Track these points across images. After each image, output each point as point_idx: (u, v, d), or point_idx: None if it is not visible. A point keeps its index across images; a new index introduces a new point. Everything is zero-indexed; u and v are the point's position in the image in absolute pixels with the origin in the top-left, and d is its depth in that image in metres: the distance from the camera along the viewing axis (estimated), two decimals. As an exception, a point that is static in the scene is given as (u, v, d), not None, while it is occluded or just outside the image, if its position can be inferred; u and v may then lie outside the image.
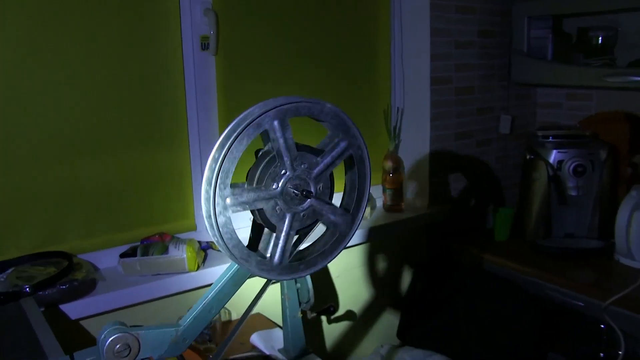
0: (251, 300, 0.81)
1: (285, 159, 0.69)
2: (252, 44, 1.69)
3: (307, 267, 0.73)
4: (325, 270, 1.82)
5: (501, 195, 2.35)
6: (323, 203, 0.74)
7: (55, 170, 1.40)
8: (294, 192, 0.70)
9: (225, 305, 1.55)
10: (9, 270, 1.34)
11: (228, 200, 0.65)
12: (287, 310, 1.40)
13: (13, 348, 0.87)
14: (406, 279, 2.07)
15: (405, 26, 2.03)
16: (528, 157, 2.02)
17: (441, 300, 1.92)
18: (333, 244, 0.77)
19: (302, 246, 0.82)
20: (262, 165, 0.72)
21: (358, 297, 1.94)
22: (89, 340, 1.35)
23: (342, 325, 1.92)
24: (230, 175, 0.66)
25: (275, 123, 0.67)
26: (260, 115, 0.66)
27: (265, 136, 0.70)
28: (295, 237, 0.73)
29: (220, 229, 0.64)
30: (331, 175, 0.77)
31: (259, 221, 0.71)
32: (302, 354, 1.40)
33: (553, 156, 1.93)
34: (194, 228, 1.64)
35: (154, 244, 1.46)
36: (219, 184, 0.64)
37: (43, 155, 1.38)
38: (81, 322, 1.33)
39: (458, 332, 1.82)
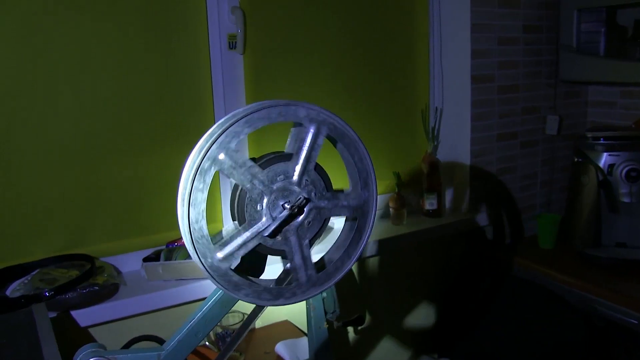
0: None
1: (259, 186, 0.62)
2: (281, 43, 1.64)
3: (334, 272, 0.67)
4: (354, 278, 1.75)
5: (547, 200, 2.22)
6: (324, 199, 0.66)
7: (82, 173, 1.39)
8: (284, 207, 0.63)
9: (248, 312, 1.52)
10: (34, 272, 1.34)
11: (219, 255, 0.60)
12: (312, 320, 1.34)
13: (14, 357, 0.84)
14: (444, 287, 1.98)
15: (445, 22, 1.94)
16: (576, 160, 1.89)
17: (481, 310, 1.82)
18: (354, 237, 0.70)
19: (318, 253, 0.76)
20: (236, 197, 0.65)
21: (390, 306, 1.87)
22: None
23: (372, 336, 1.84)
24: (204, 228, 0.60)
25: (223, 157, 0.60)
26: (202, 160, 0.59)
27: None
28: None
29: (228, 288, 0.59)
30: (317, 166, 0.68)
31: (265, 253, 0.64)
32: (327, 366, 1.34)
33: (604, 159, 1.79)
34: (219, 230, 1.61)
35: (178, 249, 1.43)
36: (196, 243, 0.58)
37: (70, 158, 1.37)
38: (102, 326, 1.31)
39: (498, 345, 1.72)
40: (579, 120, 2.25)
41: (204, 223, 0.60)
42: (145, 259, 1.41)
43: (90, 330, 1.32)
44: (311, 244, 0.68)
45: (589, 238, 1.86)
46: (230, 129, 0.60)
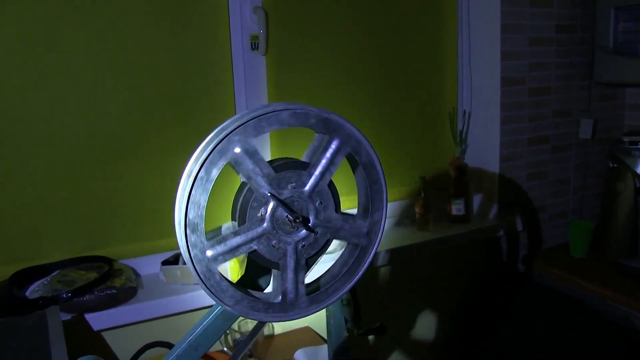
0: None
1: (263, 188, 0.58)
2: (304, 43, 1.61)
3: (326, 296, 0.62)
4: (377, 285, 1.71)
5: (579, 207, 2.13)
6: (327, 220, 0.61)
7: (103, 176, 1.39)
8: (287, 218, 0.59)
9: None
10: (54, 273, 1.33)
11: (209, 253, 0.55)
12: (332, 328, 1.30)
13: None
14: (470, 295, 1.92)
15: (474, 22, 1.88)
16: (612, 165, 1.81)
17: (508, 319, 1.75)
18: (356, 259, 0.64)
19: (316, 272, 0.71)
20: (241, 197, 0.61)
21: (414, 315, 1.82)
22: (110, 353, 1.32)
23: (394, 345, 1.79)
24: (202, 223, 0.55)
25: (238, 150, 0.56)
26: (211, 151, 0.55)
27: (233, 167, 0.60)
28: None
29: (211, 288, 0.55)
30: (331, 184, 0.64)
31: (259, 262, 0.60)
32: (347, 376, 1.30)
33: (641, 165, 1.71)
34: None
35: (197, 252, 1.41)
36: (190, 237, 0.54)
37: (91, 161, 1.37)
38: (118, 330, 1.30)
39: (526, 357, 1.65)
40: (614, 124, 2.16)
41: (200, 220, 0.55)
42: (164, 262, 1.39)
43: (105, 334, 1.31)
44: (308, 264, 0.64)
45: (624, 248, 1.78)
46: (252, 122, 0.56)
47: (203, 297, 1.35)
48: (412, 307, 1.81)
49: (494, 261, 1.96)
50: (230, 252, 0.56)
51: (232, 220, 0.61)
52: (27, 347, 0.90)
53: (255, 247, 0.57)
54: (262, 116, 0.57)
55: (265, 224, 0.57)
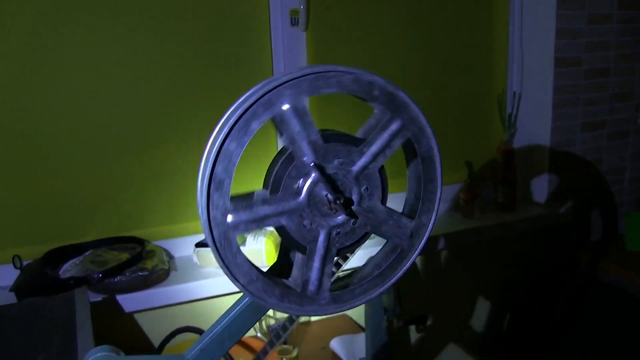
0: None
1: (307, 156, 0.50)
2: (345, 20, 1.53)
3: (351, 297, 0.54)
4: (418, 274, 1.64)
5: (637, 198, 2.00)
6: (370, 210, 0.53)
7: (138, 157, 1.36)
8: (327, 197, 0.50)
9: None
10: (87, 253, 1.32)
11: (230, 219, 0.47)
12: (370, 317, 1.24)
13: (48, 341, 0.80)
14: (517, 289, 1.83)
15: (527, -2, 1.77)
16: (675, 153, 1.68)
17: (557, 316, 1.66)
18: (393, 262, 0.56)
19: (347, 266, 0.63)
20: (278, 164, 0.52)
21: (456, 306, 1.74)
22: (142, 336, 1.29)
23: (435, 337, 1.72)
24: (229, 183, 0.47)
25: (286, 107, 0.47)
26: (256, 101, 0.46)
27: (277, 127, 0.50)
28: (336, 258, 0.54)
29: (225, 259, 0.47)
30: (382, 169, 0.54)
31: (284, 241, 0.51)
32: (385, 367, 1.24)
33: None
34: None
35: (231, 235, 1.37)
36: (212, 195, 0.46)
37: (127, 143, 1.35)
38: (148, 312, 1.27)
39: (576, 356, 1.56)
40: (678, 110, 2.01)
41: (228, 178, 0.47)
42: (198, 245, 1.35)
43: (137, 315, 1.28)
44: (341, 255, 0.56)
45: (686, 241, 1.66)
46: (309, 77, 0.48)
47: (237, 281, 1.31)
48: (456, 300, 1.73)
49: (543, 253, 1.86)
50: (255, 222, 0.48)
51: (263, 187, 0.54)
52: (52, 330, 0.87)
53: (284, 223, 0.50)
54: (322, 74, 0.48)
55: (300, 198, 0.49)
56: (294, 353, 1.32)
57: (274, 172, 0.51)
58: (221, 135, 0.46)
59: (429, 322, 1.51)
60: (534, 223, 1.75)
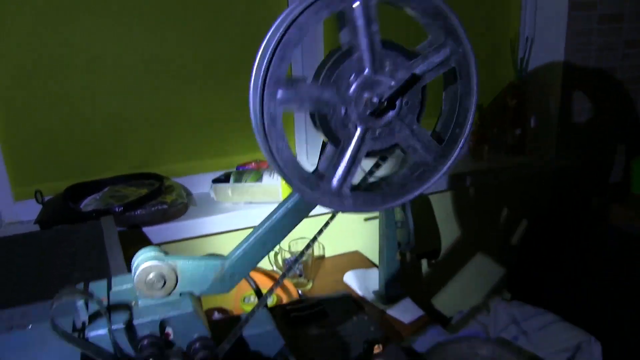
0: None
1: (365, 53, 0.51)
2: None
3: (375, 202, 0.56)
4: (430, 210, 1.67)
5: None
6: (406, 123, 0.55)
7: (157, 94, 1.37)
8: (371, 99, 0.52)
9: (319, 240, 1.48)
10: (105, 189, 1.34)
11: (280, 93, 0.49)
12: (384, 250, 1.28)
13: (80, 261, 0.83)
14: (523, 229, 1.86)
15: (543, -62, 1.74)
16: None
17: (562, 257, 1.70)
18: (414, 181, 0.58)
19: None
20: (332, 59, 0.52)
21: (465, 244, 1.77)
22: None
23: (445, 272, 1.77)
24: (287, 63, 0.49)
25: (356, 5, 0.48)
26: None
27: (341, 21, 0.52)
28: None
29: (268, 133, 0.49)
30: (424, 89, 0.55)
31: (319, 131, 0.53)
32: (397, 297, 1.29)
33: None
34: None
35: (248, 171, 1.39)
36: (272, 69, 0.48)
37: (147, 80, 1.36)
38: (168, 245, 1.30)
39: (577, 294, 1.60)
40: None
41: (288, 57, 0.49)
42: (215, 180, 1.38)
43: (158, 246, 1.31)
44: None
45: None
46: None
47: (254, 216, 1.34)
48: (466, 237, 1.77)
49: (550, 197, 1.88)
50: (299, 101, 0.49)
51: (314, 77, 0.55)
52: (84, 252, 0.90)
53: (326, 110, 0.51)
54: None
55: (350, 92, 0.51)
56: (309, 286, 1.37)
57: (330, 63, 0.53)
58: (296, 11, 0.47)
59: (437, 256, 1.56)
60: (543, 166, 1.77)
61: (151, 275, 0.53)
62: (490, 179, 1.69)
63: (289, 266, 1.32)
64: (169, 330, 0.53)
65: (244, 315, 0.59)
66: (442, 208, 1.69)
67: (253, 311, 0.56)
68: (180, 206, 1.29)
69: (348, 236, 1.54)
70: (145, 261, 0.53)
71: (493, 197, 1.78)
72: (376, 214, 1.25)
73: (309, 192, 0.52)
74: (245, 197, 1.35)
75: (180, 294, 0.55)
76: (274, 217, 0.57)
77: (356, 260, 1.50)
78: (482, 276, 1.84)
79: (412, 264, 1.67)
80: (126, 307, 0.54)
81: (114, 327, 0.51)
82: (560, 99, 1.78)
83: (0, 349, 0.50)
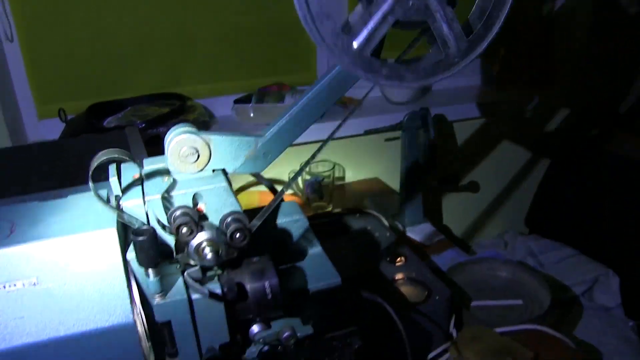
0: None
1: None
2: None
3: (389, 74, 0.54)
4: (453, 138, 1.65)
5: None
6: (440, 2, 0.52)
7: (179, 15, 1.35)
8: None
9: (339, 163, 1.48)
10: (127, 109, 1.34)
11: (355, 45, 0.48)
12: (404, 174, 1.28)
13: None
14: (544, 163, 1.84)
15: None
16: None
17: (581, 191, 1.68)
18: (433, 66, 0.56)
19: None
20: None
21: (485, 174, 1.76)
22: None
23: (465, 202, 1.76)
24: None
25: None
26: None
27: None
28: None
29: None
30: None
31: (402, 28, 0.52)
32: (417, 222, 1.29)
33: None
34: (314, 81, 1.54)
35: (270, 92, 1.38)
36: None
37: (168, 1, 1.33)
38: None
39: (595, 228, 1.59)
40: None
41: None
42: (237, 101, 1.37)
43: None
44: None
45: None
46: None
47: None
48: (486, 168, 1.76)
49: (570, 130, 1.85)
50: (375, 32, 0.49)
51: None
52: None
53: (396, 18, 0.50)
54: None
55: None
56: (329, 209, 1.37)
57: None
58: None
59: (457, 182, 1.55)
60: (568, 98, 1.73)
61: (185, 148, 0.53)
62: (513, 110, 1.66)
63: (310, 188, 1.33)
64: (201, 205, 0.54)
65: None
66: (463, 135, 1.67)
67: (282, 190, 0.55)
68: (202, 124, 1.29)
69: (369, 162, 1.54)
70: (180, 134, 0.53)
71: (512, 127, 1.75)
72: (398, 134, 1.24)
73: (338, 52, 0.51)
74: (266, 118, 1.35)
75: (213, 171, 0.55)
76: (309, 94, 0.56)
77: (377, 185, 1.50)
78: (500, 209, 1.84)
79: (433, 191, 1.66)
80: (159, 181, 0.54)
81: (147, 198, 0.51)
82: (588, 27, 1.73)
83: (40, 213, 0.51)
